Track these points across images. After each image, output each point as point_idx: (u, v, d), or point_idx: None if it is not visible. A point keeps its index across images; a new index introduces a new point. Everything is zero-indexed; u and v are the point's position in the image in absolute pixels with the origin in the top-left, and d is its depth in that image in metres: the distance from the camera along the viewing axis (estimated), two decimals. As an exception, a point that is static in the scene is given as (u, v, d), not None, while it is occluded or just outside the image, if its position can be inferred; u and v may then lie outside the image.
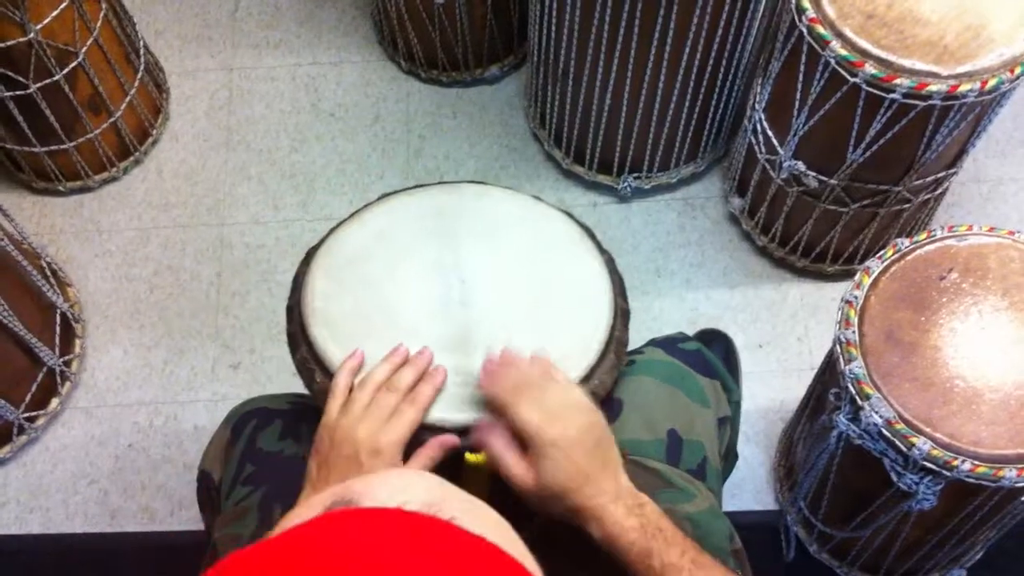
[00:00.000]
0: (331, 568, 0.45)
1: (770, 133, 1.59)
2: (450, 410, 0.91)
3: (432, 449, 0.90)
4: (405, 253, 1.01)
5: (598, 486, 0.84)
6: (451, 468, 0.90)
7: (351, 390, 0.93)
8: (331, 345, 0.95)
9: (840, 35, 1.34)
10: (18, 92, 1.67)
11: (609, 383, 0.99)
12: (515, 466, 0.86)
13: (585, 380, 0.96)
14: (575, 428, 0.85)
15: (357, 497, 0.51)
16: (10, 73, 1.64)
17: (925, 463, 1.13)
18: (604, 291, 1.00)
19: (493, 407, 0.89)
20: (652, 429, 1.05)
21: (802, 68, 1.42)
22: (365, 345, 0.94)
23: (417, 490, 0.53)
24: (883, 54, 1.32)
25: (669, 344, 1.17)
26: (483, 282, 0.99)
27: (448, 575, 0.45)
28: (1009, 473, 1.11)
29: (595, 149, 1.81)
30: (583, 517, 0.85)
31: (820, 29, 1.35)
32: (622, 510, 0.84)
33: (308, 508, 0.52)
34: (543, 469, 0.84)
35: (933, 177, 1.54)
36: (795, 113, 1.48)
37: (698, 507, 1.00)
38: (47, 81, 1.68)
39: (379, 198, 1.07)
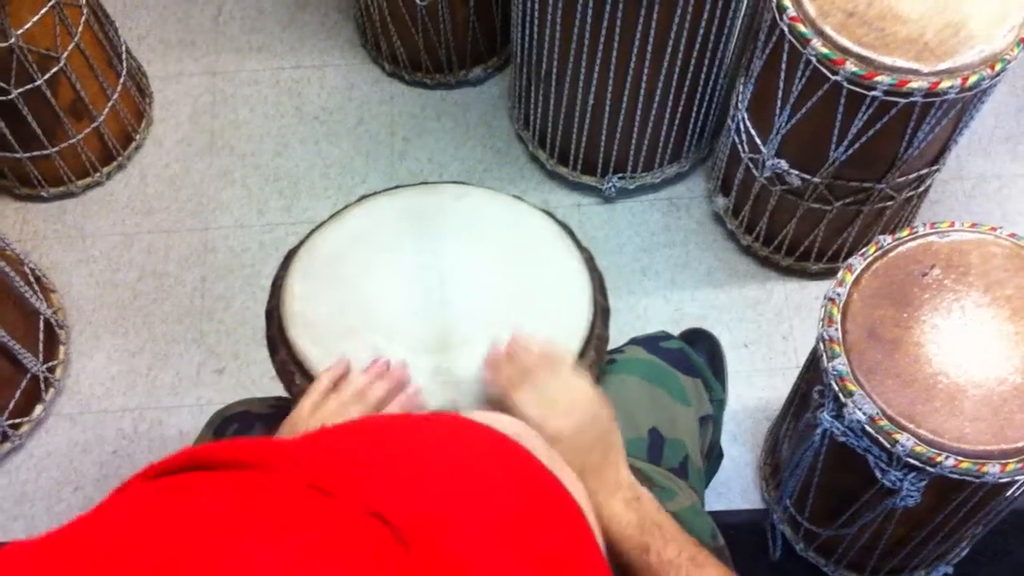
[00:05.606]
0: (425, 453, 0.53)
1: (753, 132, 1.59)
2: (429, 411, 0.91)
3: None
4: (384, 254, 1.01)
5: (598, 479, 0.83)
6: None
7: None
8: (311, 348, 0.95)
9: (821, 33, 1.34)
10: (-1, 98, 1.67)
11: None
12: None
13: None
14: (576, 420, 0.83)
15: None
16: (-9, 79, 1.64)
17: (909, 459, 1.13)
18: (583, 289, 0.99)
19: (494, 399, 0.88)
20: (634, 428, 1.05)
21: (783, 66, 1.42)
22: (344, 347, 0.93)
23: (504, 422, 0.64)
24: (864, 51, 1.32)
25: (651, 343, 1.17)
26: (462, 282, 0.98)
27: (523, 494, 0.53)
28: (992, 469, 1.11)
29: (579, 150, 1.81)
30: None
31: (801, 27, 1.35)
32: (619, 505, 0.82)
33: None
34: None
35: (916, 174, 1.54)
36: (777, 112, 1.49)
37: (680, 505, 1.00)
38: (29, 87, 1.67)
39: (358, 200, 1.07)
